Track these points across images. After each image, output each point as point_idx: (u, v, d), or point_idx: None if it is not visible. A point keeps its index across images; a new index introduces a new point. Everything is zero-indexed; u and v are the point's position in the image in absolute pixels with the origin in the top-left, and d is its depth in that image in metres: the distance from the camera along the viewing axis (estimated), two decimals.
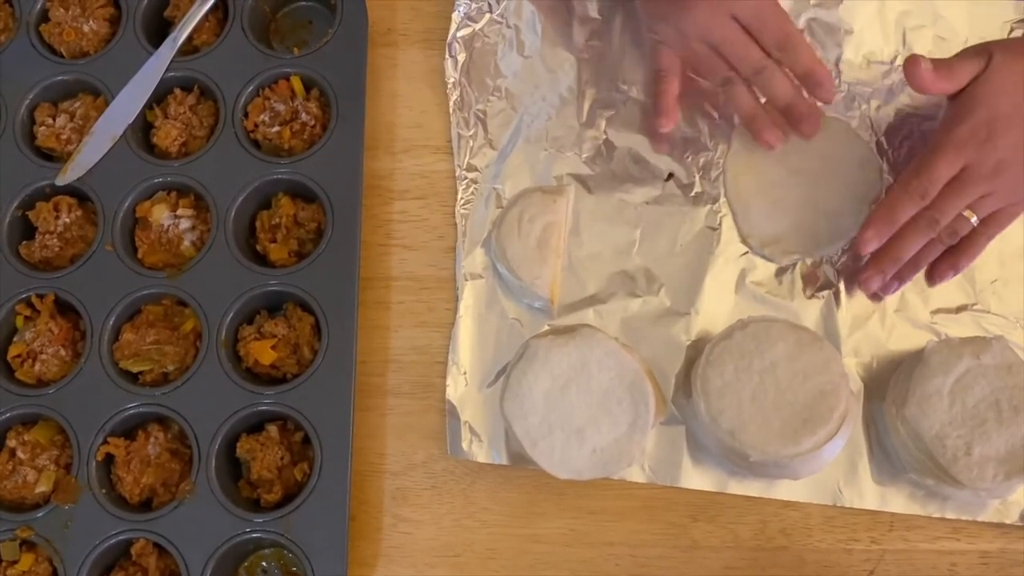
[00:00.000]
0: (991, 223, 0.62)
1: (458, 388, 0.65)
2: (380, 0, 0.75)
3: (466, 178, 0.70)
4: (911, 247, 0.61)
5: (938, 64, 0.60)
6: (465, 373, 0.65)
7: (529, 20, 0.73)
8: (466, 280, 0.67)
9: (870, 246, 0.61)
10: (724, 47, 0.64)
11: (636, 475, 0.62)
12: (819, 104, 0.65)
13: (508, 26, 0.73)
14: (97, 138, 0.70)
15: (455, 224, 0.69)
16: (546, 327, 0.65)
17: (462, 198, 0.69)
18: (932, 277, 0.63)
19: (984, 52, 0.61)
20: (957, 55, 0.62)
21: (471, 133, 0.71)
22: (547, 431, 0.59)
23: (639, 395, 0.60)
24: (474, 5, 0.73)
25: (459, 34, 0.73)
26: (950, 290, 0.64)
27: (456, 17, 0.73)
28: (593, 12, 0.73)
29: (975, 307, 0.64)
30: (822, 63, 0.63)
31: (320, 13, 0.76)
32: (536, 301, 0.66)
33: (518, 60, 0.72)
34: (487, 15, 0.73)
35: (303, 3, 0.77)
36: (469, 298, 0.67)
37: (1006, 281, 0.64)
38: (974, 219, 0.61)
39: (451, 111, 0.72)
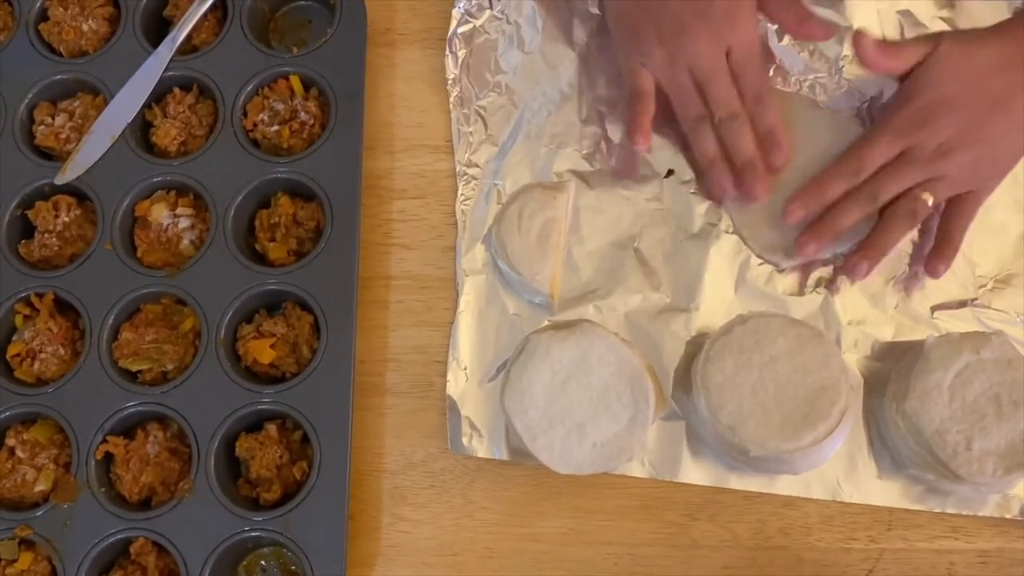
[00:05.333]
0: (959, 213, 0.63)
1: (459, 383, 0.65)
2: (379, 0, 0.75)
3: (466, 174, 0.70)
4: (848, 216, 0.62)
5: (886, 43, 0.62)
6: (465, 369, 0.65)
7: (529, 16, 0.73)
8: (466, 276, 0.67)
9: (794, 217, 0.62)
10: (710, 84, 0.64)
11: (636, 470, 0.62)
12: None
13: (508, 22, 0.73)
14: (96, 137, 0.70)
15: (455, 223, 0.69)
16: (546, 322, 0.65)
17: (462, 194, 0.69)
18: (928, 271, 0.64)
19: (933, 38, 0.62)
20: (907, 39, 0.63)
21: (471, 129, 0.71)
22: (547, 426, 0.59)
23: (639, 390, 0.60)
24: (474, 1, 0.73)
25: (459, 30, 0.73)
26: (950, 286, 0.64)
27: (456, 13, 0.73)
28: (593, 8, 0.73)
29: (975, 303, 0.64)
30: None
31: (319, 12, 0.76)
32: (536, 296, 0.66)
33: (518, 56, 0.72)
34: (487, 11, 0.73)
35: (302, 2, 0.77)
36: (469, 294, 0.67)
37: (1006, 277, 0.64)
38: (931, 201, 0.62)
39: (451, 107, 0.72)
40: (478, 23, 0.73)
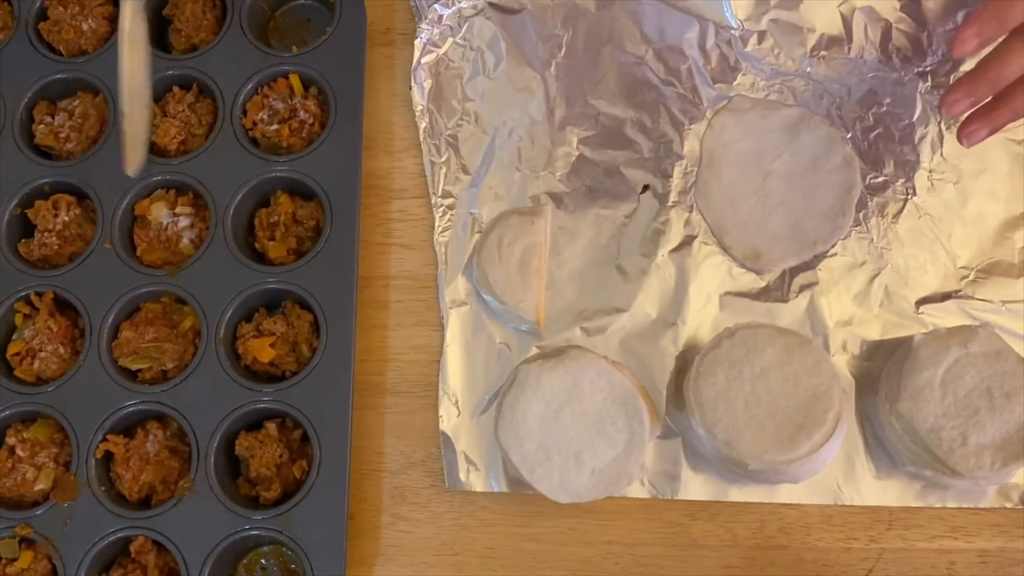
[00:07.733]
0: None
1: (451, 418, 0.64)
2: (379, 0, 0.75)
3: (442, 205, 0.69)
4: (1014, 69, 0.51)
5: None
6: (457, 403, 0.65)
7: (492, 41, 0.72)
8: (450, 308, 0.67)
9: (968, 46, 0.51)
10: None
11: (637, 491, 0.61)
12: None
13: (472, 48, 0.72)
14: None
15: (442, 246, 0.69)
16: (534, 349, 0.65)
17: (439, 226, 0.69)
18: None
19: None
20: None
21: (444, 159, 0.70)
22: (544, 457, 0.59)
23: (633, 412, 0.59)
24: (436, 30, 0.73)
25: (423, 61, 0.72)
26: (933, 279, 0.64)
27: (419, 44, 0.72)
28: (556, 28, 0.72)
29: (959, 295, 0.64)
30: None
31: (319, 11, 0.76)
32: (522, 324, 0.65)
33: (485, 82, 0.72)
34: (450, 39, 0.73)
35: (302, 1, 0.77)
36: (455, 326, 0.66)
37: (988, 267, 0.64)
38: None
39: (421, 139, 0.71)
40: (441, 51, 0.72)
